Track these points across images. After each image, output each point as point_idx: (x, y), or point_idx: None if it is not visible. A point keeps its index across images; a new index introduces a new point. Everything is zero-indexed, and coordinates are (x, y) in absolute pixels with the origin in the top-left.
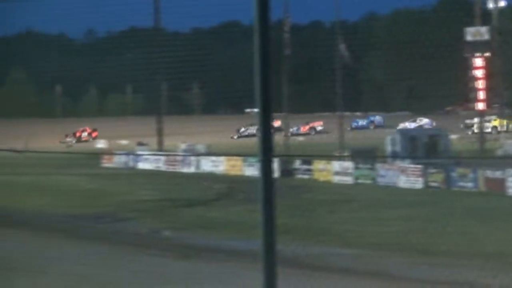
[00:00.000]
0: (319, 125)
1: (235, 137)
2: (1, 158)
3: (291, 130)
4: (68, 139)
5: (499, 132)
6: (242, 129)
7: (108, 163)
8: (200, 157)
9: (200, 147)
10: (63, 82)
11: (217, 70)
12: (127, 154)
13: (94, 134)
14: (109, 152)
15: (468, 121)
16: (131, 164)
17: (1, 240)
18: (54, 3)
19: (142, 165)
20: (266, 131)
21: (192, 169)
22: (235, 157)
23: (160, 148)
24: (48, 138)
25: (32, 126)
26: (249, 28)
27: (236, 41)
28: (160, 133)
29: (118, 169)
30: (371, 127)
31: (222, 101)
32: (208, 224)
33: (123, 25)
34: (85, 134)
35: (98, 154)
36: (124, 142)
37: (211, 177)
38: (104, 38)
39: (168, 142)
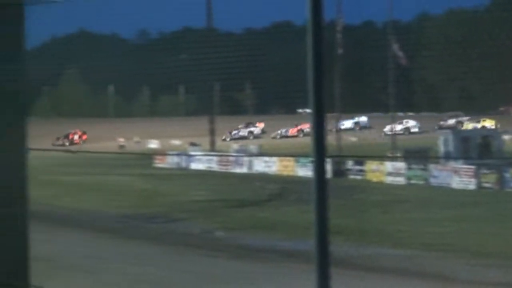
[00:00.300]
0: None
1: (228, 139)
2: (57, 159)
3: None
4: (58, 142)
5: None
6: (234, 132)
7: (161, 163)
8: (253, 158)
9: (253, 148)
10: (116, 83)
11: (270, 70)
12: (179, 154)
13: (84, 137)
14: (161, 153)
15: None
16: (183, 164)
17: (56, 240)
18: (107, 3)
19: (194, 166)
20: (320, 132)
21: (244, 170)
22: (287, 158)
23: (213, 149)
24: (102, 139)
25: (85, 126)
26: (302, 28)
27: (288, 41)
28: (212, 134)
29: (170, 169)
30: (357, 128)
31: (274, 101)
32: (260, 225)
33: (176, 26)
34: (76, 137)
35: (150, 155)
36: (176, 142)
37: (264, 177)
38: (157, 39)
39: (220, 143)
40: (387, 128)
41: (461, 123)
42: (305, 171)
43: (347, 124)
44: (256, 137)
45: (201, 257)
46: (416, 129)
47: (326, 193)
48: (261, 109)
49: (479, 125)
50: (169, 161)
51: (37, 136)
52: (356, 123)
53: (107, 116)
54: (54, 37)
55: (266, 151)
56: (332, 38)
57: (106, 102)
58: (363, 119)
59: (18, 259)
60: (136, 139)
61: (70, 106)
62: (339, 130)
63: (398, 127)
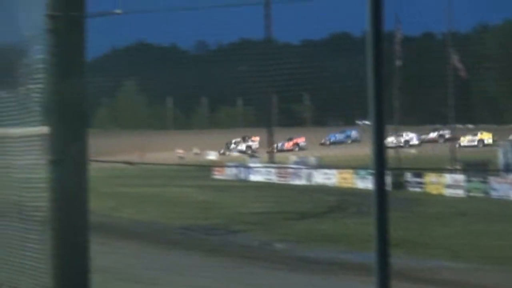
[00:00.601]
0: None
1: (227, 153)
2: (116, 170)
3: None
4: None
5: None
6: (233, 145)
7: (220, 175)
8: (312, 170)
9: (312, 160)
10: (175, 94)
11: (328, 81)
12: (238, 166)
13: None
14: (220, 165)
15: None
16: (242, 176)
17: (115, 251)
18: (165, 15)
19: (253, 177)
20: (380, 144)
21: (303, 181)
22: (346, 170)
23: (271, 160)
24: (161, 150)
25: (144, 138)
26: (360, 40)
27: (346, 52)
28: (270, 145)
29: (229, 181)
30: (349, 141)
31: (332, 113)
32: (320, 237)
33: (234, 37)
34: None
35: (209, 166)
36: (235, 154)
37: (323, 189)
38: (215, 50)
39: (278, 154)
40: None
41: (443, 136)
42: (365, 183)
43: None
44: (302, 149)
45: (259, 269)
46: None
47: (386, 205)
48: (319, 120)
49: (476, 138)
50: (228, 173)
51: (96, 147)
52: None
53: (166, 127)
54: (114, 48)
55: (327, 163)
56: (390, 50)
57: (165, 113)
58: (411, 135)
59: (78, 270)
60: (195, 150)
61: (129, 118)
62: (401, 143)
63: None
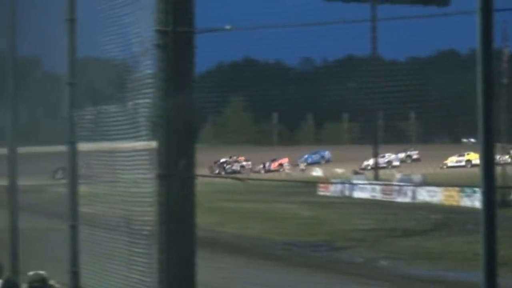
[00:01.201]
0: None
1: (223, 173)
2: (222, 185)
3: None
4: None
5: None
6: (228, 166)
7: (324, 191)
8: (416, 187)
9: (416, 177)
10: (280, 110)
11: (434, 99)
12: (342, 183)
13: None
14: (324, 181)
15: None
16: (347, 192)
17: (220, 266)
18: (271, 31)
19: (357, 194)
20: (488, 161)
21: (407, 199)
22: (451, 188)
23: (376, 177)
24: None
25: (249, 153)
26: (467, 57)
27: (453, 70)
28: (376, 162)
29: (334, 197)
30: (322, 162)
31: (438, 130)
32: (425, 254)
33: (340, 54)
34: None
35: (314, 183)
36: (339, 170)
37: (427, 207)
38: (321, 67)
39: (383, 171)
40: None
41: (410, 156)
42: (470, 201)
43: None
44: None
45: (364, 286)
46: None
47: (495, 224)
48: (425, 137)
49: (464, 158)
50: (333, 189)
51: (202, 162)
52: None
53: (271, 143)
54: (220, 64)
55: (432, 181)
56: (497, 67)
57: (270, 129)
58: None
59: (184, 285)
60: (301, 166)
61: (235, 133)
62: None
63: None
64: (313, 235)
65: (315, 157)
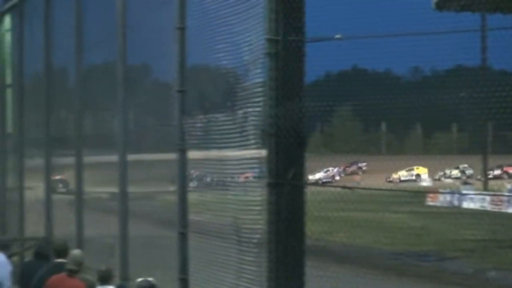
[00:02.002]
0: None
1: (441, 179)
2: (330, 194)
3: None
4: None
5: None
6: (446, 172)
7: (433, 201)
8: None
9: None
10: (388, 119)
11: None
12: (451, 193)
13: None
14: (433, 191)
15: None
16: (455, 203)
17: (328, 275)
18: (381, 40)
19: (466, 204)
20: None
21: None
22: None
23: (485, 188)
24: (374, 175)
25: (358, 162)
26: None
27: None
28: (485, 172)
29: (442, 207)
30: None
31: None
32: None
33: (449, 63)
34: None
35: (421, 192)
36: (448, 180)
37: None
38: (430, 76)
39: (493, 182)
40: None
41: (361, 168)
42: None
43: None
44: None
45: None
46: None
47: None
48: None
49: (413, 173)
50: (441, 199)
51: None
52: None
53: (379, 152)
54: (329, 73)
55: None
56: None
57: (378, 138)
58: None
59: None
60: (408, 176)
61: (343, 142)
62: None
63: None
64: (421, 245)
65: None
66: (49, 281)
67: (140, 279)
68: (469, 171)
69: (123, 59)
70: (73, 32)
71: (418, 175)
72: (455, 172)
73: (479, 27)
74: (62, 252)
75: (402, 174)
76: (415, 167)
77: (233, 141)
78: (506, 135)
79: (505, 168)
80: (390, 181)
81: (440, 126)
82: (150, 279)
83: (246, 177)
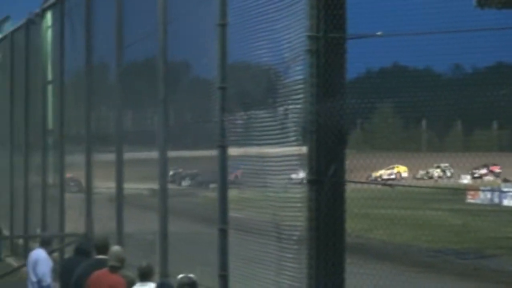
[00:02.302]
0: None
1: (482, 177)
2: (369, 191)
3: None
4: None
5: None
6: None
7: (473, 199)
8: None
9: None
10: (429, 116)
11: None
12: (492, 190)
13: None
14: (473, 189)
15: None
16: (496, 200)
17: (367, 272)
18: (421, 37)
19: (507, 202)
20: None
21: None
22: None
23: None
24: (414, 172)
25: (397, 160)
26: None
27: None
28: None
29: (482, 205)
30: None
31: None
32: None
33: (490, 61)
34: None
35: (461, 190)
36: (489, 178)
37: None
38: (470, 73)
39: None
40: None
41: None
42: None
43: None
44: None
45: None
46: None
47: None
48: None
49: (394, 171)
50: (481, 197)
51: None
52: None
53: (420, 150)
54: (369, 70)
55: None
56: None
57: (418, 136)
58: None
59: None
60: (448, 174)
61: (383, 139)
62: None
63: None
64: (461, 242)
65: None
66: (92, 276)
67: (181, 276)
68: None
69: (164, 55)
70: (114, 28)
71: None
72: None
73: None
74: (103, 248)
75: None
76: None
77: (273, 138)
78: None
79: None
80: (430, 178)
81: (480, 123)
82: (191, 275)
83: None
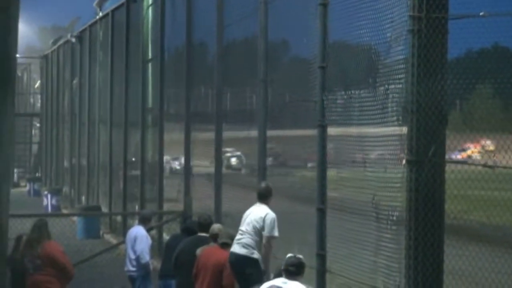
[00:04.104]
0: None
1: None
2: (469, 172)
3: None
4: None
5: None
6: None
7: None
8: None
9: None
10: None
11: None
12: None
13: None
14: None
15: None
16: None
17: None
18: None
19: None
20: None
21: None
22: None
23: None
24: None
25: (496, 140)
26: None
27: None
28: None
29: None
30: None
31: None
32: None
33: None
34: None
35: None
36: None
37: None
38: None
39: None
40: None
41: None
42: None
43: None
44: None
45: None
46: None
47: None
48: None
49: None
50: None
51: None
52: None
53: None
54: (469, 51)
55: None
56: None
57: None
58: None
59: (431, 272)
60: None
61: (482, 120)
62: None
63: None
64: None
65: None
66: (203, 252)
67: (289, 255)
68: None
69: (265, 35)
70: (215, 7)
71: None
72: None
73: None
74: (206, 226)
75: None
76: None
77: (373, 117)
78: None
79: None
80: None
81: None
82: (299, 256)
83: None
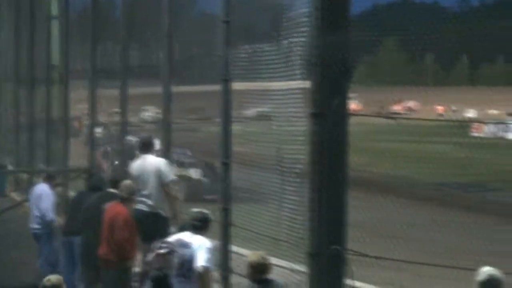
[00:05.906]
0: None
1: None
2: (373, 125)
3: None
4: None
5: None
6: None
7: (477, 132)
8: None
9: None
10: (434, 51)
11: None
12: (496, 123)
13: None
14: (477, 121)
15: None
16: (499, 134)
17: (370, 206)
18: None
19: (511, 136)
20: None
21: None
22: None
23: None
24: (419, 106)
25: (401, 95)
26: None
27: None
28: None
29: (486, 138)
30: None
31: None
32: None
33: None
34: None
35: (467, 123)
36: (494, 112)
37: None
38: (477, 7)
39: None
40: None
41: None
42: None
43: None
44: None
45: None
46: None
47: None
48: None
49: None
50: (486, 131)
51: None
52: None
53: (425, 84)
54: (376, 5)
55: None
56: None
57: (423, 70)
58: None
59: (334, 224)
60: (453, 107)
61: (388, 75)
62: None
63: None
64: (465, 176)
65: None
66: (108, 207)
67: (195, 209)
68: None
69: None
70: None
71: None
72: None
73: None
74: (116, 183)
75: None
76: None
77: (278, 71)
78: None
79: None
80: (440, 115)
81: (487, 57)
82: (205, 211)
83: None
